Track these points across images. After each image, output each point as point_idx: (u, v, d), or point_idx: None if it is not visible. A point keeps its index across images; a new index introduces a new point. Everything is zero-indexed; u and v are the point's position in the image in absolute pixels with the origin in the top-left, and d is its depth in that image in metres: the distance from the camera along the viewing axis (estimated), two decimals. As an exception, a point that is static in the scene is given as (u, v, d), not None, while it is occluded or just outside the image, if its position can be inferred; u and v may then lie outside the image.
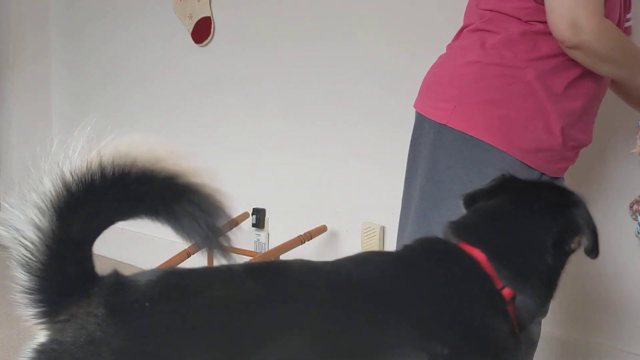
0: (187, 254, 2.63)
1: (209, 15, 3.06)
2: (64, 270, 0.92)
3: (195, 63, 3.16)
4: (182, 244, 3.05)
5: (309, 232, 2.67)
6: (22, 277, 0.92)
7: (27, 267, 0.91)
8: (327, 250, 2.78)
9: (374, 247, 2.61)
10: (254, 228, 2.98)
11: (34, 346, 0.92)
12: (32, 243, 0.91)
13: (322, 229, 2.72)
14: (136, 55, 3.43)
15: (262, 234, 2.96)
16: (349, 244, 2.71)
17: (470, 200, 1.31)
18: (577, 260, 1.23)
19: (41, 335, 0.92)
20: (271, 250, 2.59)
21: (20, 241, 0.91)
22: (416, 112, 1.59)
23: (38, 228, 0.90)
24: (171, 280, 0.97)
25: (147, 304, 0.93)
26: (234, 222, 3.11)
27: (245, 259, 2.54)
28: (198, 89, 3.16)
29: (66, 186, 0.91)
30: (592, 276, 2.13)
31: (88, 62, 3.69)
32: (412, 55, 2.49)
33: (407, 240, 1.31)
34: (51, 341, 0.91)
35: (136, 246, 3.47)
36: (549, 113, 1.45)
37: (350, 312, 1.04)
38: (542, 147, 1.46)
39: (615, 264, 2.07)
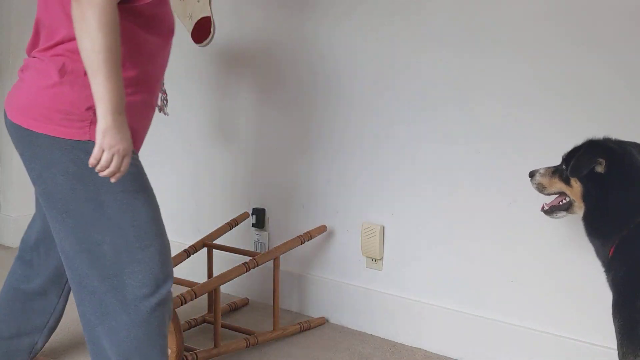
0: (186, 254, 2.63)
1: (209, 15, 3.06)
2: None
3: (195, 63, 3.15)
4: (182, 243, 3.04)
5: (308, 232, 2.67)
6: None
7: None
8: (327, 250, 2.78)
9: (374, 247, 2.61)
10: (253, 228, 2.98)
11: None
12: None
13: (322, 229, 2.72)
14: (136, 55, 3.43)
15: (262, 234, 2.96)
16: (348, 244, 2.71)
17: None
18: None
19: None
20: (271, 250, 2.59)
21: None
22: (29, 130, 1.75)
23: None
24: None
25: None
26: (234, 222, 3.11)
27: (245, 259, 2.53)
28: (197, 89, 3.16)
29: None
30: None
31: (88, 62, 3.69)
32: (410, 51, 2.49)
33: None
34: None
35: (136, 246, 3.47)
36: None
37: None
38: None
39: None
